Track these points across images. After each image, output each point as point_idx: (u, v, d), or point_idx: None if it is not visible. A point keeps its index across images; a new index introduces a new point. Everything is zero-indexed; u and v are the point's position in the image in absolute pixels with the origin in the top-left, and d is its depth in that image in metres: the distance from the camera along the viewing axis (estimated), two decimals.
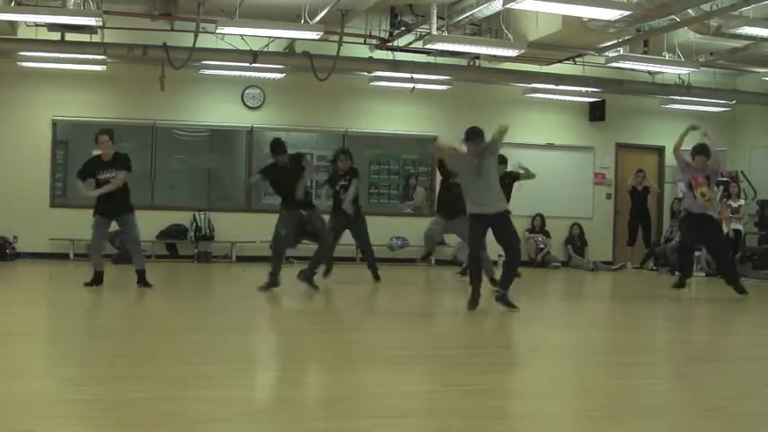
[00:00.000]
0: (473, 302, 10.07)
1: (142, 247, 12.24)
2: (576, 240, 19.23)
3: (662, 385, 6.46)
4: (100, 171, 11.52)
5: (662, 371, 7.21)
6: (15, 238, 16.45)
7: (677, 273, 17.19)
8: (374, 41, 16.66)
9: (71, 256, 16.47)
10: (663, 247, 18.18)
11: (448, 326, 10.06)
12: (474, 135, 10.21)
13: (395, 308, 11.57)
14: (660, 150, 20.32)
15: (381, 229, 17.78)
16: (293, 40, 16.31)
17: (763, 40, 14.90)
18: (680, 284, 12.83)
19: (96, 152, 11.65)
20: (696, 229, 12.74)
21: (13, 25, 15.24)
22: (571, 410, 5.58)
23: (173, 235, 17.24)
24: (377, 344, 8.13)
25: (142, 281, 11.65)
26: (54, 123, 16.82)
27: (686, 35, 15.53)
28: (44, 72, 16.49)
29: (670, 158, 20.06)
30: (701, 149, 12.79)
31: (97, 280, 11.66)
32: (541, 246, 18.96)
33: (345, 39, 15.54)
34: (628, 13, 12.49)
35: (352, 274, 14.53)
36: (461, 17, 14.32)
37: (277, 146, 12.07)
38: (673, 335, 9.82)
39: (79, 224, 15.62)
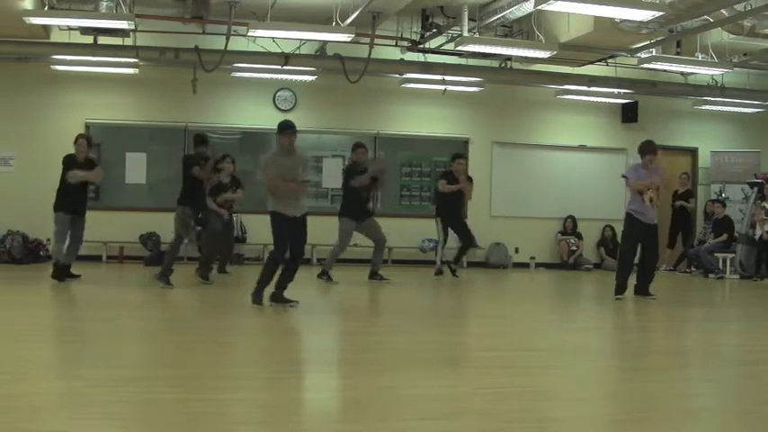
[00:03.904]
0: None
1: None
2: (609, 242, 19.12)
3: (691, 389, 6.42)
4: (72, 168, 12.79)
5: (691, 374, 7.16)
6: (49, 240, 16.54)
7: (710, 275, 17.19)
8: (405, 43, 16.65)
9: (104, 258, 16.59)
10: (696, 249, 18.06)
11: (475, 328, 10.05)
12: (285, 129, 10.34)
13: (424, 310, 11.57)
14: (693, 152, 20.22)
15: (412, 231, 17.79)
16: (325, 42, 16.33)
17: None
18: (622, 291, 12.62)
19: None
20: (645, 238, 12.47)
21: (46, 29, 15.35)
22: (601, 414, 5.56)
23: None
24: (406, 346, 8.12)
25: (64, 274, 12.79)
26: (87, 126, 16.89)
27: (719, 36, 15.40)
28: (77, 75, 16.60)
29: (703, 160, 20.03)
30: (646, 148, 12.52)
31: (59, 274, 12.77)
32: (573, 248, 18.88)
33: (377, 41, 15.52)
34: (660, 13, 12.40)
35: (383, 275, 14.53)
36: (493, 19, 14.29)
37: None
38: (703, 338, 9.75)
39: (112, 226, 15.77)
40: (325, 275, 13.96)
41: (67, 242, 12.96)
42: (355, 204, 14.09)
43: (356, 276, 14.47)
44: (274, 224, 10.36)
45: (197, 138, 13.30)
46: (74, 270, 13.13)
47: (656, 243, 12.64)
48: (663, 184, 12.56)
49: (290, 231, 10.35)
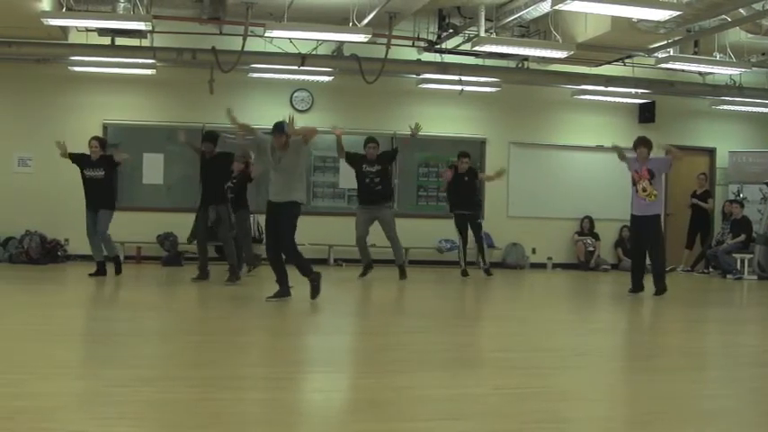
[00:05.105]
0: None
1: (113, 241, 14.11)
2: (626, 243, 19.03)
3: (709, 390, 6.38)
4: (87, 168, 13.60)
5: (709, 376, 7.13)
6: (67, 240, 16.64)
7: (728, 275, 17.10)
8: (422, 44, 16.67)
9: (121, 258, 16.59)
10: (714, 249, 18.00)
11: (492, 328, 10.04)
12: (275, 129, 10.80)
13: (440, 310, 11.55)
14: (711, 152, 20.16)
15: (430, 231, 17.79)
16: (341, 42, 16.34)
17: None
18: (635, 290, 12.76)
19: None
20: (640, 232, 12.83)
21: (64, 30, 15.40)
22: (620, 415, 5.54)
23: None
24: (422, 346, 8.11)
25: (102, 270, 13.65)
26: (105, 127, 16.95)
27: (737, 35, 15.35)
28: (95, 76, 16.65)
29: (721, 160, 19.96)
30: (642, 141, 12.97)
31: (100, 271, 13.57)
32: (591, 248, 18.82)
33: (393, 41, 15.54)
34: (678, 13, 12.37)
35: (397, 275, 14.52)
36: (509, 19, 14.28)
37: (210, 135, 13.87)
38: (720, 339, 9.70)
39: (129, 227, 15.78)
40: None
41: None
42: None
43: (372, 276, 14.52)
44: (296, 218, 10.86)
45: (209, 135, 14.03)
46: (111, 275, 13.74)
47: (656, 234, 12.81)
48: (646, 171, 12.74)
49: None
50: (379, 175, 14.60)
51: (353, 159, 14.79)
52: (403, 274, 14.56)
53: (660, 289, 12.47)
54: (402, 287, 13.81)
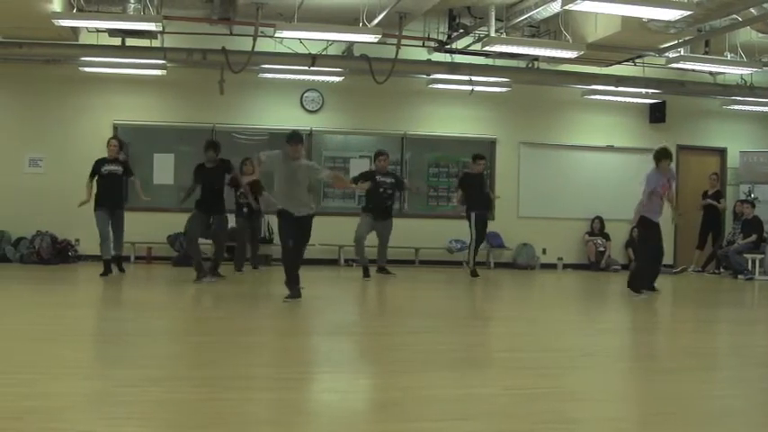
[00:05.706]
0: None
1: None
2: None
3: (719, 391, 6.37)
4: (105, 165, 13.92)
5: (719, 376, 7.11)
6: (77, 240, 16.68)
7: (739, 276, 17.05)
8: (432, 44, 16.65)
9: (132, 258, 16.65)
10: (725, 249, 17.95)
11: (501, 328, 10.02)
12: (291, 139, 10.92)
13: (449, 310, 11.54)
14: (722, 152, 20.10)
15: (440, 231, 17.78)
16: (352, 43, 16.34)
17: None
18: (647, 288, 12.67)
19: None
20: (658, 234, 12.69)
21: (74, 31, 15.42)
22: (629, 415, 5.53)
23: (231, 237, 17.29)
24: (430, 346, 8.11)
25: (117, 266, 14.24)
26: (115, 127, 17.00)
27: (748, 35, 15.29)
28: (105, 77, 16.69)
29: (732, 160, 19.90)
30: (665, 154, 12.54)
31: (109, 270, 13.80)
32: (601, 249, 18.79)
33: (404, 41, 15.52)
34: (688, 13, 12.33)
35: (408, 276, 14.52)
36: (520, 19, 14.26)
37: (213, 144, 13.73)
38: (731, 339, 9.69)
39: (139, 227, 15.81)
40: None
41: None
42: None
43: (378, 276, 14.54)
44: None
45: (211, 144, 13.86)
46: (122, 275, 14.27)
47: (660, 238, 12.87)
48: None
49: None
50: (392, 188, 14.80)
51: (366, 177, 14.82)
52: (386, 271, 14.98)
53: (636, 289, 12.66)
54: (411, 287, 13.81)
